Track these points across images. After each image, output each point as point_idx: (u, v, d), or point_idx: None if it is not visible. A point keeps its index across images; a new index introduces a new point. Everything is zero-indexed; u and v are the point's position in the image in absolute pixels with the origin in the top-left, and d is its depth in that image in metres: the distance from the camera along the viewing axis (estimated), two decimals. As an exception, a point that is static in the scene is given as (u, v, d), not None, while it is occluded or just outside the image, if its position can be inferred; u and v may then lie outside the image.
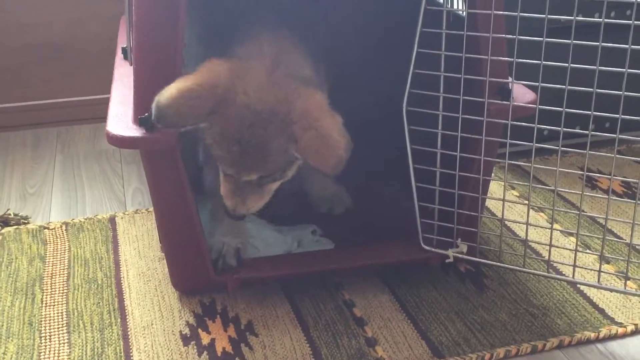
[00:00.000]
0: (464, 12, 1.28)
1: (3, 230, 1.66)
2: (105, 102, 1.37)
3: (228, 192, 1.25)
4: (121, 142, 1.21)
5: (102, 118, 1.33)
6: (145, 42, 1.21)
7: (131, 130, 1.20)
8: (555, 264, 1.46)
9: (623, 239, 1.55)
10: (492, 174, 1.47)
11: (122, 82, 1.43)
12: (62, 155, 2.09)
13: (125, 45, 1.58)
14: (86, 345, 1.28)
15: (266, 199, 1.28)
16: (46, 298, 1.41)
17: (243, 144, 1.17)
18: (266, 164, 1.19)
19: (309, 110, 1.17)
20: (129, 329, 1.32)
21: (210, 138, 1.19)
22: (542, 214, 1.68)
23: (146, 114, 1.19)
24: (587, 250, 1.52)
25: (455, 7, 1.39)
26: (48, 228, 1.66)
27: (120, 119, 1.24)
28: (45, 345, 1.28)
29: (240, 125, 1.16)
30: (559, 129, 1.19)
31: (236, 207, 1.26)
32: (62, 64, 2.27)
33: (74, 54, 2.27)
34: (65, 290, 1.43)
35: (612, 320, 1.32)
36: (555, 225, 1.61)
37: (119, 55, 1.62)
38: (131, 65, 1.40)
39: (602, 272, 1.28)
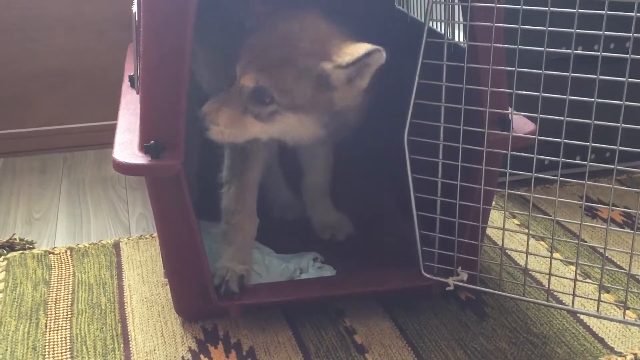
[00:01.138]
0: (465, 44, 1.30)
1: (8, 255, 1.67)
2: (111, 129, 1.39)
3: (214, 99, 1.29)
4: (127, 169, 1.23)
5: (108, 144, 1.35)
6: (151, 71, 1.23)
7: (137, 157, 1.22)
8: (555, 293, 1.47)
9: (623, 269, 1.56)
10: (493, 203, 1.48)
11: (129, 110, 1.45)
12: (68, 181, 2.11)
13: (132, 74, 1.61)
14: (89, 370, 1.29)
15: (237, 133, 1.30)
16: (50, 323, 1.42)
17: (273, 38, 1.25)
18: (275, 70, 1.25)
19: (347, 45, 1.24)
20: (131, 355, 1.33)
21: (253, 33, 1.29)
22: (542, 242, 1.69)
23: (152, 142, 1.21)
24: (587, 280, 1.53)
25: (456, 39, 1.41)
26: (53, 253, 1.68)
27: (127, 146, 1.26)
28: (49, 370, 1.29)
29: (278, 28, 1.26)
30: (559, 159, 1.20)
31: (209, 113, 1.27)
32: (69, 90, 2.30)
33: (81, 81, 2.29)
34: (69, 315, 1.44)
35: (612, 350, 1.32)
36: (555, 254, 1.62)
37: (126, 83, 1.64)
38: (138, 93, 1.42)
39: (601, 301, 1.29)
